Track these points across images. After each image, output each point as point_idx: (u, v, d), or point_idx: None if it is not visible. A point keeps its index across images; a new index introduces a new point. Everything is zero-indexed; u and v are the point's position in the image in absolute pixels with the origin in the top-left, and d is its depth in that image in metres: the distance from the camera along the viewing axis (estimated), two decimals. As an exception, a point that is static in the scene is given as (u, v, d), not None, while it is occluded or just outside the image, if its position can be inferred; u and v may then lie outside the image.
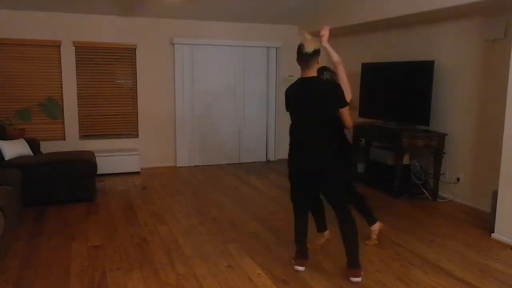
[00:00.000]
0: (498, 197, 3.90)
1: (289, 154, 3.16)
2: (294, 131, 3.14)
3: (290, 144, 3.16)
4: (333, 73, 3.32)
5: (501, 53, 4.39)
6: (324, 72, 3.37)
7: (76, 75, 6.26)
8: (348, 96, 3.08)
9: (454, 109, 5.10)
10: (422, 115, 5.13)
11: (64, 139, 6.30)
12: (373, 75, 5.99)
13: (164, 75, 6.71)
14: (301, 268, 3.22)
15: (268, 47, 7.18)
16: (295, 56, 3.03)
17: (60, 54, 6.14)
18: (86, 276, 3.11)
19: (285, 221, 4.25)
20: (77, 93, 6.30)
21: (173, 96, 6.76)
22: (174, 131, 6.86)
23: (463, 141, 5.00)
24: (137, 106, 6.65)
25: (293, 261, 3.28)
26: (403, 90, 5.47)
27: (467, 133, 4.96)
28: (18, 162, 4.70)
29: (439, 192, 5.15)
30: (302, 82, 3.03)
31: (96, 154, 5.49)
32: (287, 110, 3.16)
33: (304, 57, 2.96)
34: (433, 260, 3.44)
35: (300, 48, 2.97)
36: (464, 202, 4.99)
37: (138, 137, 6.71)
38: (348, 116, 3.07)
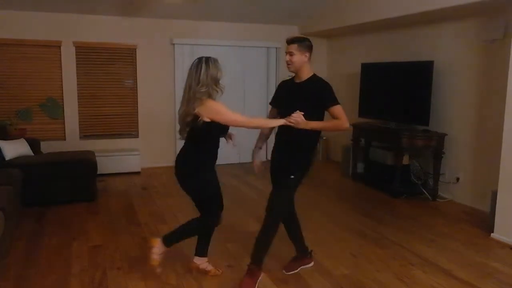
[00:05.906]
0: (498, 197, 3.91)
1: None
2: None
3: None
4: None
5: (500, 53, 4.40)
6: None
7: (77, 75, 6.27)
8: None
9: (453, 109, 5.11)
10: (422, 115, 5.13)
11: (65, 139, 6.30)
12: (373, 75, 5.99)
13: (164, 75, 6.71)
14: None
15: (268, 47, 7.18)
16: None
17: (60, 54, 6.15)
18: (86, 275, 3.12)
19: (285, 221, 4.25)
20: (78, 93, 6.31)
21: (173, 96, 6.76)
22: (174, 131, 6.84)
23: (463, 141, 5.01)
24: (137, 106, 6.65)
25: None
26: (403, 90, 5.47)
27: (466, 133, 4.96)
28: (19, 162, 4.70)
29: (439, 192, 5.16)
30: None
31: (96, 154, 5.49)
32: None
33: None
34: (432, 259, 3.45)
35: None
36: (463, 202, 5.00)
37: (138, 137, 6.72)
38: None
